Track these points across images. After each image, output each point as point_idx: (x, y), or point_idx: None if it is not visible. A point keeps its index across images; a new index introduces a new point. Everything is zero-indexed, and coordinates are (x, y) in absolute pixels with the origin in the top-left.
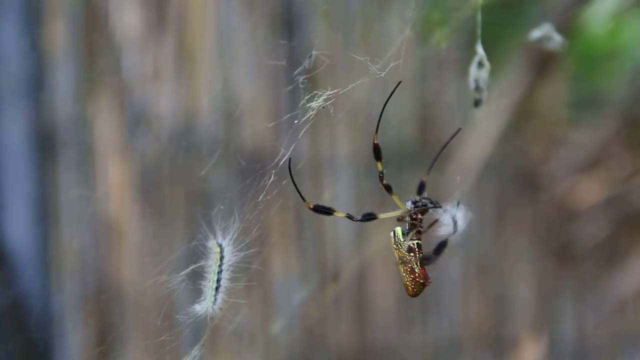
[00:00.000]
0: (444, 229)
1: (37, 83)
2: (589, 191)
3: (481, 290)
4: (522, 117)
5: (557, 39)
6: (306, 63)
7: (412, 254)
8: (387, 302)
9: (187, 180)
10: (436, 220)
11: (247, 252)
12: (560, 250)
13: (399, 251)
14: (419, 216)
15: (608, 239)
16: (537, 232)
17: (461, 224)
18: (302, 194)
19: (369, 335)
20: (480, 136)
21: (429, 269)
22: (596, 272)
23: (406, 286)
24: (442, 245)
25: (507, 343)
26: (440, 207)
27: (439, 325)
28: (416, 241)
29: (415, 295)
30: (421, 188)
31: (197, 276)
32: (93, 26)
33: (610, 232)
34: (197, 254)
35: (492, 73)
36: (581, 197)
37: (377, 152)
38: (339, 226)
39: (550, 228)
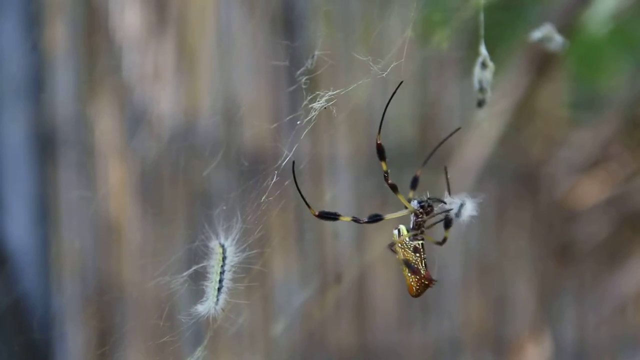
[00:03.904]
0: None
1: (37, 83)
2: (589, 191)
3: (481, 291)
4: (522, 118)
5: (557, 39)
6: (308, 63)
7: (417, 255)
8: (387, 302)
9: (188, 181)
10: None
11: (250, 252)
12: (561, 250)
13: (405, 251)
14: (425, 216)
15: (608, 239)
16: (537, 233)
17: (467, 211)
18: (307, 201)
19: (369, 336)
20: (480, 137)
21: (429, 269)
22: (596, 272)
23: (410, 286)
24: (448, 223)
25: (507, 343)
26: (444, 202)
27: (439, 326)
28: (420, 241)
29: (418, 295)
30: (414, 182)
31: (199, 277)
32: (93, 26)
33: (611, 233)
34: (199, 254)
35: (494, 74)
36: (581, 198)
37: (380, 152)
38: (339, 227)
39: (550, 228)
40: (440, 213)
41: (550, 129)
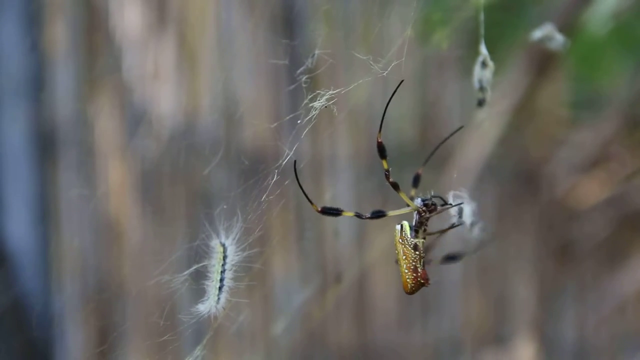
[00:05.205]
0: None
1: (37, 83)
2: (590, 191)
3: (481, 291)
4: (522, 118)
5: (558, 39)
6: (309, 62)
7: (417, 252)
8: (387, 302)
9: (188, 180)
10: (450, 227)
11: (250, 251)
12: (561, 250)
13: (405, 247)
14: (428, 214)
15: (608, 239)
16: (537, 232)
17: (468, 216)
18: (309, 197)
19: (369, 335)
20: (480, 136)
21: (430, 269)
22: (596, 272)
23: (405, 283)
24: (455, 257)
25: (507, 343)
26: (450, 205)
27: (439, 326)
28: (422, 240)
29: (411, 293)
30: (416, 180)
31: (200, 276)
32: (93, 26)
33: (611, 232)
34: (200, 253)
35: (494, 73)
36: (581, 197)
37: (381, 151)
38: (340, 227)
39: (550, 228)
40: (443, 209)
41: (551, 129)
